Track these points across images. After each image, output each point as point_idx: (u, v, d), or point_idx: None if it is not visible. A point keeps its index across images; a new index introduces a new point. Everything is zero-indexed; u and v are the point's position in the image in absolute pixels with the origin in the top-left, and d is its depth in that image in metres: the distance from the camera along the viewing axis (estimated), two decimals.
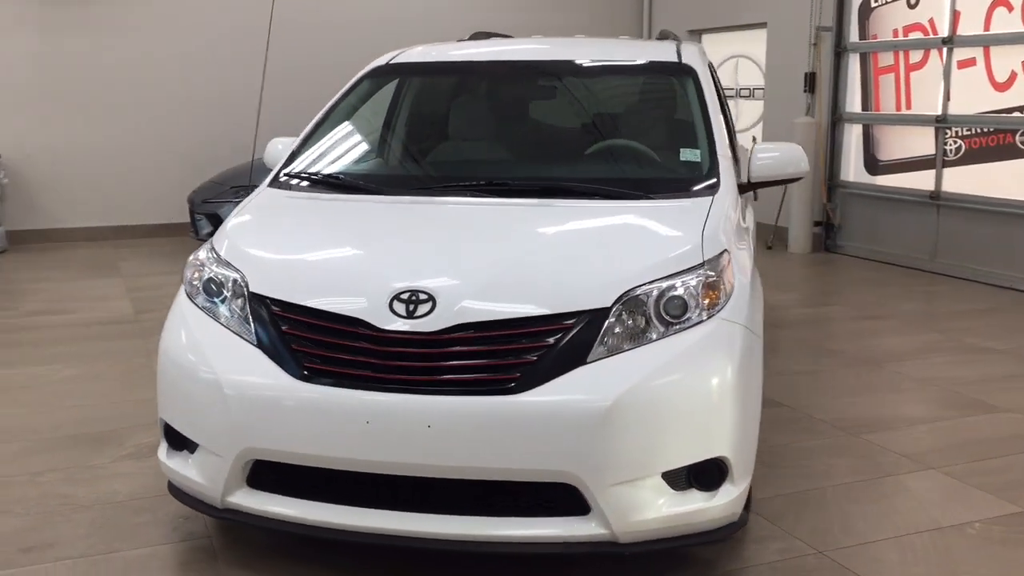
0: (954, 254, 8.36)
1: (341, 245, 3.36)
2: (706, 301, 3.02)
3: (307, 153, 4.02)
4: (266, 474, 3.04)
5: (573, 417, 2.78)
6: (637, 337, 2.93)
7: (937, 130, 8.46)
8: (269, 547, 3.37)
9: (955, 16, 8.24)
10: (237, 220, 3.57)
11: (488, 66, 4.46)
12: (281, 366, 2.96)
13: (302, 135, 4.10)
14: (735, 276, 3.18)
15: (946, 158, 8.44)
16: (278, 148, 4.20)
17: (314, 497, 3.00)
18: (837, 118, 9.51)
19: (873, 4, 9.07)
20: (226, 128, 9.84)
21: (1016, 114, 7.82)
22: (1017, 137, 7.86)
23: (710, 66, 4.73)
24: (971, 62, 8.17)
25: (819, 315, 7.02)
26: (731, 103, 11.12)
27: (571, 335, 2.88)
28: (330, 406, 2.88)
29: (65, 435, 4.47)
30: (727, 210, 3.47)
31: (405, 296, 2.93)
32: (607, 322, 2.90)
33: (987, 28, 8.03)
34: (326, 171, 3.93)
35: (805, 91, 9.62)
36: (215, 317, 3.17)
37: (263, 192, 3.83)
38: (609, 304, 2.92)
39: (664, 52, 4.36)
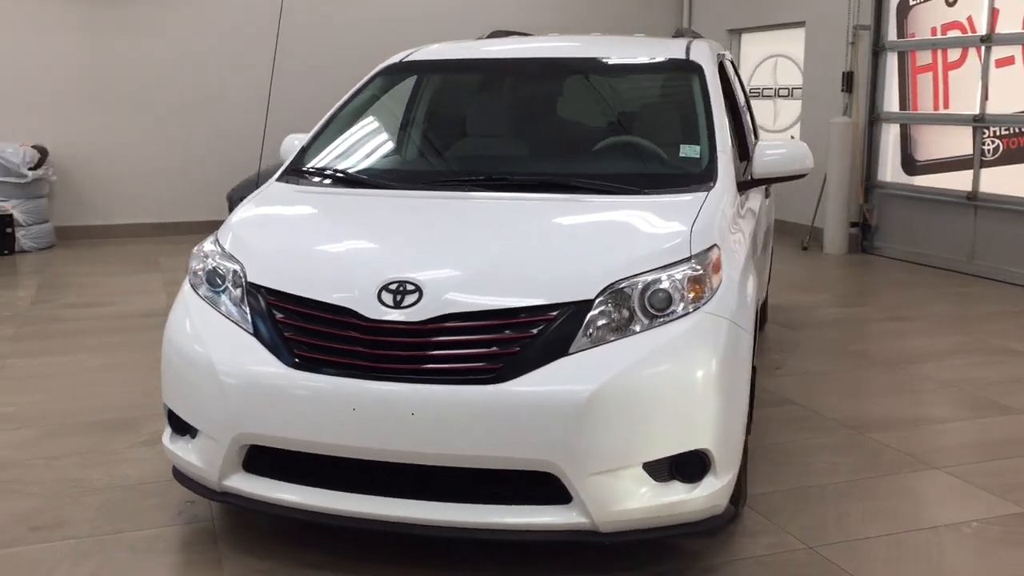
0: (991, 256, 8.23)
1: (337, 237, 3.44)
2: (691, 295, 3.05)
3: (316, 149, 4.12)
4: (262, 459, 3.13)
5: (552, 407, 2.83)
6: (621, 329, 2.97)
7: (975, 130, 8.33)
8: (270, 531, 3.46)
9: (994, 14, 8.11)
10: (241, 213, 3.67)
11: (495, 63, 4.52)
12: (274, 354, 3.05)
13: (313, 131, 4.20)
14: (724, 270, 3.20)
15: (984, 158, 8.31)
16: (294, 144, 4.30)
17: (306, 482, 3.08)
18: (874, 118, 9.41)
19: (911, 2, 8.97)
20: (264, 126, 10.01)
21: None
22: None
23: (724, 64, 4.74)
24: (1010, 60, 8.04)
25: (846, 316, 6.96)
26: (769, 103, 11.06)
27: (554, 326, 2.93)
28: (319, 393, 2.96)
29: (85, 421, 4.62)
30: (722, 206, 3.48)
31: (393, 287, 3.00)
32: (590, 314, 2.95)
33: None
34: (332, 166, 4.03)
35: (843, 90, 9.53)
36: (216, 307, 3.27)
37: (271, 186, 3.94)
38: (592, 296, 2.96)
39: (673, 50, 4.38)
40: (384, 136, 4.26)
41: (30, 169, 9.34)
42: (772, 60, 11.00)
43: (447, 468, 2.93)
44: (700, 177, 3.64)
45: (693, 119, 3.95)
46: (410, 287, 2.99)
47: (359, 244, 3.38)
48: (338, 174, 3.97)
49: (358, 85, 4.39)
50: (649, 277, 3.03)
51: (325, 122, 4.23)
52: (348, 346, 2.98)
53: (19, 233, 9.37)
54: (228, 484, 3.15)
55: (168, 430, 3.40)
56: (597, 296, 2.97)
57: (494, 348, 2.92)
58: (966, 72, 8.49)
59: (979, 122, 8.28)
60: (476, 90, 4.65)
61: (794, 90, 10.64)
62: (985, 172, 8.30)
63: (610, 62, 4.44)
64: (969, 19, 8.40)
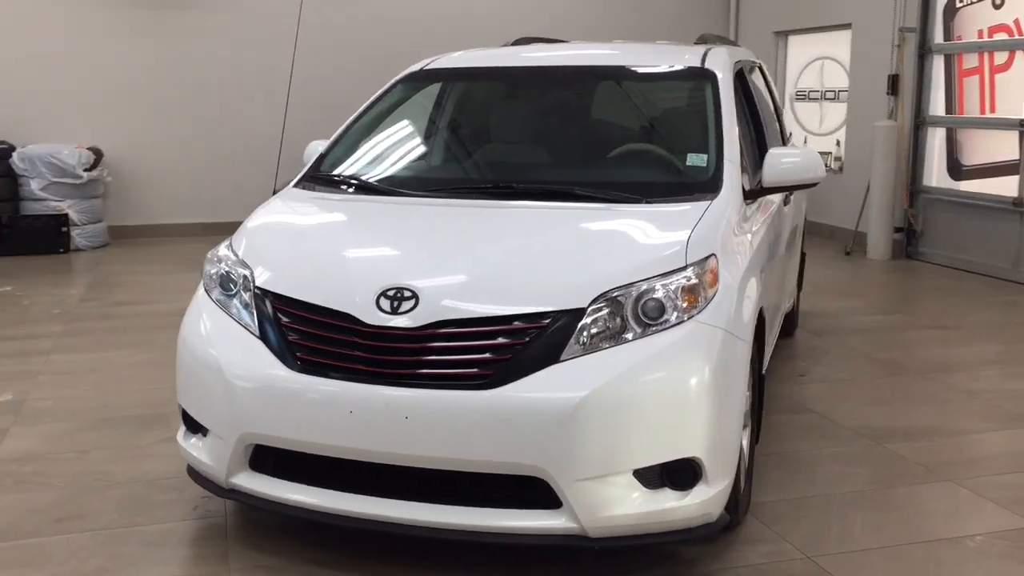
0: None
1: (342, 243, 3.53)
2: (684, 304, 3.08)
3: (334, 155, 4.23)
4: (267, 458, 3.25)
5: (540, 413, 2.88)
6: (613, 337, 3.01)
7: (1022, 134, 8.16)
8: (279, 528, 3.56)
9: None
10: (255, 219, 3.79)
11: (509, 72, 4.58)
12: (279, 357, 3.15)
13: (332, 138, 4.31)
14: (722, 280, 3.22)
15: None
16: (317, 150, 4.41)
17: (308, 481, 3.19)
18: (920, 121, 9.26)
19: (958, 4, 8.81)
20: (312, 128, 10.18)
21: None
22: None
23: (744, 71, 4.74)
24: None
25: (879, 323, 6.88)
26: (815, 106, 10.94)
27: (546, 334, 2.98)
28: (319, 396, 3.06)
29: (118, 416, 4.79)
30: (724, 215, 3.50)
31: (391, 293, 3.08)
32: (582, 322, 3.00)
33: None
34: (347, 173, 4.13)
35: (888, 94, 9.40)
36: (226, 310, 3.38)
37: (288, 191, 4.05)
38: (585, 304, 3.01)
39: (689, 57, 4.39)
40: (399, 144, 4.35)
41: (85, 170, 9.65)
42: (819, 62, 10.88)
43: (441, 471, 3.01)
44: (705, 186, 3.66)
45: (703, 127, 3.97)
46: (407, 294, 3.07)
47: (362, 250, 3.47)
48: (352, 181, 4.07)
49: (378, 93, 4.49)
50: (643, 286, 3.07)
51: (344, 129, 4.33)
52: (348, 351, 3.07)
53: (74, 232, 9.68)
54: (235, 482, 3.26)
55: (182, 428, 3.53)
56: (590, 304, 3.02)
57: (487, 354, 2.99)
58: (1013, 75, 8.33)
59: None
60: (489, 98, 4.71)
61: (840, 93, 10.52)
62: None
63: (623, 70, 4.48)
64: (1016, 22, 8.23)
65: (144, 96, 10.32)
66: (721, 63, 4.32)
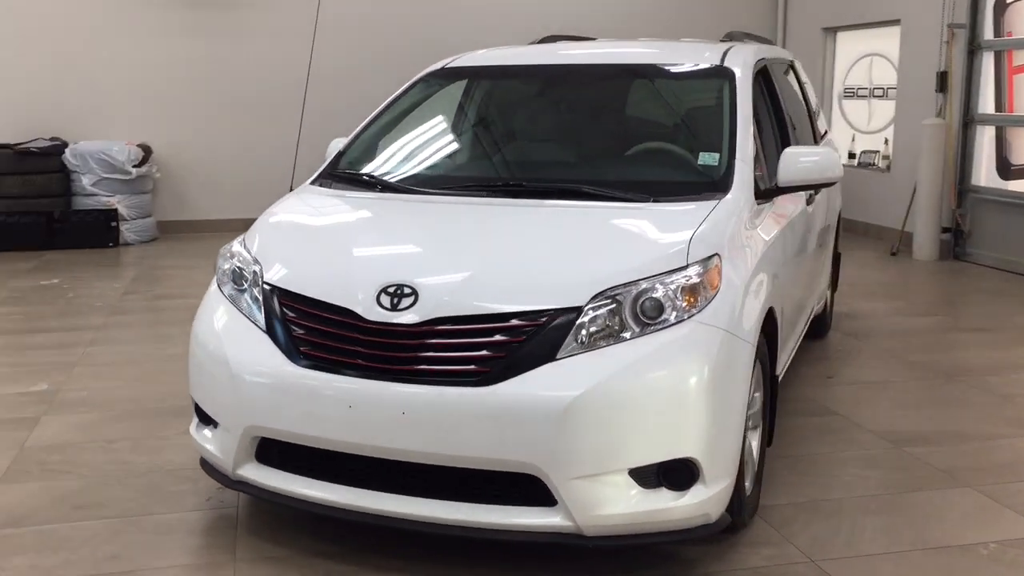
0: None
1: (350, 240, 3.58)
2: (684, 303, 3.06)
3: (352, 153, 4.28)
4: (273, 451, 3.30)
5: (534, 411, 2.89)
6: (612, 336, 3.01)
7: None
8: (290, 521, 3.62)
9: None
10: (268, 215, 3.86)
11: (527, 70, 4.59)
12: (283, 351, 3.21)
13: (351, 136, 4.36)
14: (726, 280, 3.20)
15: None
16: (338, 147, 4.47)
17: (310, 474, 3.24)
18: (969, 119, 9.06)
19: (1008, 0, 8.59)
20: (353, 127, 10.33)
21: None
22: None
23: (768, 69, 4.68)
24: None
25: (918, 325, 6.75)
26: (864, 103, 10.75)
27: (543, 332, 2.99)
28: (319, 390, 3.11)
29: (147, 408, 4.90)
30: (733, 214, 3.48)
31: (391, 289, 3.12)
32: (580, 320, 3.00)
33: None
34: (362, 171, 4.18)
35: (937, 91, 9.21)
36: (237, 305, 3.45)
37: (304, 188, 4.12)
38: (583, 303, 3.02)
39: (709, 55, 4.36)
40: (415, 142, 4.38)
41: (134, 166, 9.87)
42: (867, 59, 10.70)
43: (437, 467, 3.03)
44: (715, 185, 3.64)
45: (718, 126, 3.94)
46: (407, 290, 3.10)
47: (367, 247, 3.51)
48: (366, 178, 4.12)
49: (398, 92, 4.53)
50: (643, 285, 3.07)
51: (362, 127, 4.38)
52: (349, 346, 3.11)
53: (123, 227, 9.91)
54: (241, 473, 3.33)
55: (195, 420, 3.61)
56: (588, 303, 3.02)
57: (484, 351, 3.01)
58: None
59: None
60: (503, 98, 4.72)
61: (889, 90, 10.33)
62: None
63: (640, 68, 4.46)
64: None
65: (192, 94, 10.53)
66: (741, 61, 4.28)
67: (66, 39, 10.14)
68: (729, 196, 3.56)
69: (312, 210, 3.91)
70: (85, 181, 9.82)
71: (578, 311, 3.01)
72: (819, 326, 6.00)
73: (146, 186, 10.21)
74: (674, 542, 3.23)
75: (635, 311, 3.04)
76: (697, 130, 4.14)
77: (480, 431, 2.94)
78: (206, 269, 8.76)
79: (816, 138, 5.75)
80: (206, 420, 3.51)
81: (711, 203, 3.49)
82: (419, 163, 4.24)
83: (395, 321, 3.07)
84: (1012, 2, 8.57)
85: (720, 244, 3.27)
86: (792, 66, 5.70)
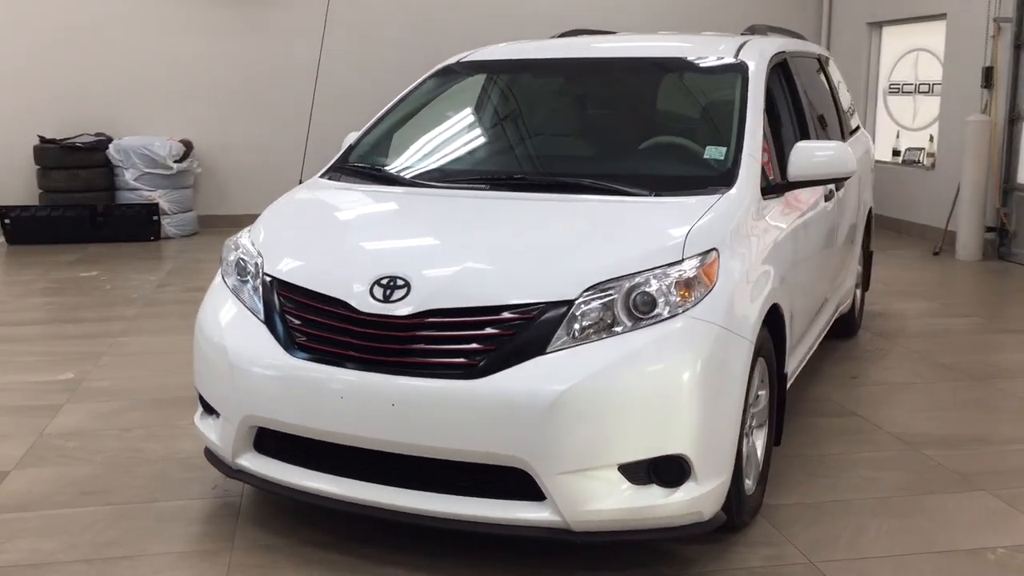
0: None
1: (348, 232, 3.60)
2: (677, 298, 3.02)
3: (362, 146, 4.30)
4: (270, 440, 3.33)
5: (522, 404, 2.88)
6: (603, 330, 2.98)
7: None
8: (292, 510, 3.64)
9: None
10: (274, 207, 3.89)
11: (540, 63, 4.56)
12: (279, 342, 3.23)
13: (362, 130, 4.38)
14: (724, 275, 3.15)
15: None
16: (351, 141, 4.49)
17: (305, 464, 3.26)
18: (1015, 116, 8.82)
19: None
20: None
21: None
22: None
23: (788, 63, 4.60)
24: None
25: (952, 326, 6.59)
26: (909, 99, 10.53)
27: (534, 325, 2.98)
28: (312, 380, 3.13)
29: (167, 397, 4.97)
30: (736, 209, 3.43)
31: (385, 281, 3.12)
32: (571, 314, 2.97)
33: None
34: (370, 164, 4.20)
35: (982, 87, 8.99)
36: (239, 296, 3.49)
37: (313, 181, 4.15)
38: (574, 296, 2.99)
39: (724, 49, 4.30)
40: (425, 136, 4.38)
41: (175, 162, 10.03)
42: (913, 54, 10.48)
43: (427, 458, 3.03)
44: (720, 179, 3.59)
45: (727, 120, 3.88)
46: (400, 282, 3.10)
47: (364, 239, 3.51)
48: (373, 172, 4.13)
49: (411, 86, 4.54)
50: (636, 279, 3.03)
51: (374, 121, 4.40)
52: (342, 337, 3.13)
53: (165, 221, 10.07)
54: (240, 462, 3.36)
55: (199, 410, 3.65)
56: (579, 296, 2.99)
57: (475, 344, 3.00)
58: None
59: None
60: (512, 92, 4.69)
61: (934, 86, 10.10)
62: None
63: (654, 61, 4.41)
64: None
65: (233, 91, 10.67)
66: (756, 55, 4.21)
67: (111, 37, 10.34)
68: (733, 190, 3.50)
69: (316, 203, 3.93)
70: (128, 176, 10.00)
71: (569, 304, 2.98)
72: (847, 326, 5.89)
73: (187, 181, 10.37)
74: (666, 540, 3.19)
75: (628, 305, 3.01)
76: (707, 124, 4.09)
77: (469, 424, 2.93)
78: None
79: (844, 134, 5.64)
80: (209, 410, 3.55)
81: (714, 197, 3.44)
82: (424, 157, 4.24)
83: (387, 313, 3.07)
84: None
85: (720, 239, 3.23)
86: (820, 60, 5.59)
